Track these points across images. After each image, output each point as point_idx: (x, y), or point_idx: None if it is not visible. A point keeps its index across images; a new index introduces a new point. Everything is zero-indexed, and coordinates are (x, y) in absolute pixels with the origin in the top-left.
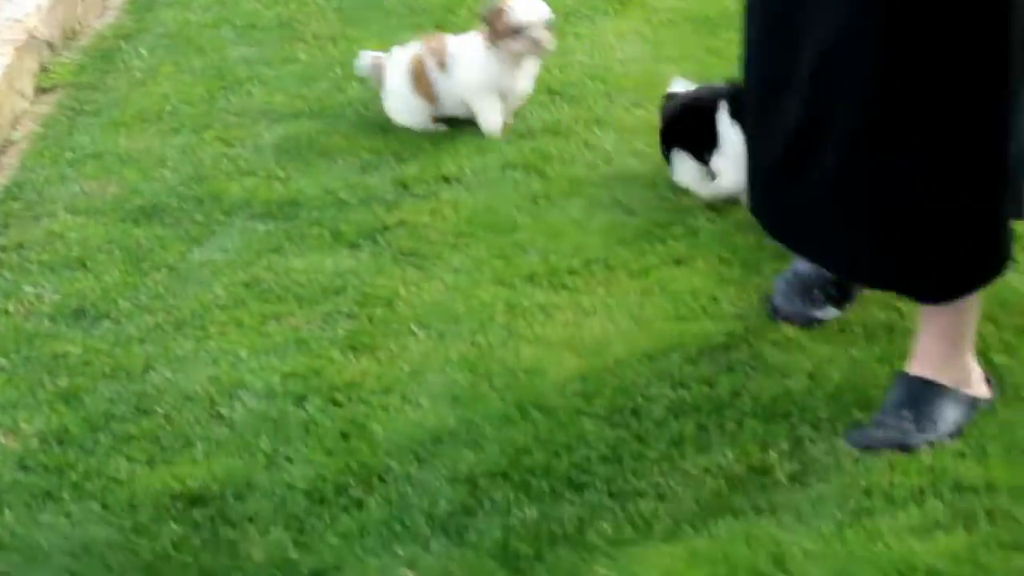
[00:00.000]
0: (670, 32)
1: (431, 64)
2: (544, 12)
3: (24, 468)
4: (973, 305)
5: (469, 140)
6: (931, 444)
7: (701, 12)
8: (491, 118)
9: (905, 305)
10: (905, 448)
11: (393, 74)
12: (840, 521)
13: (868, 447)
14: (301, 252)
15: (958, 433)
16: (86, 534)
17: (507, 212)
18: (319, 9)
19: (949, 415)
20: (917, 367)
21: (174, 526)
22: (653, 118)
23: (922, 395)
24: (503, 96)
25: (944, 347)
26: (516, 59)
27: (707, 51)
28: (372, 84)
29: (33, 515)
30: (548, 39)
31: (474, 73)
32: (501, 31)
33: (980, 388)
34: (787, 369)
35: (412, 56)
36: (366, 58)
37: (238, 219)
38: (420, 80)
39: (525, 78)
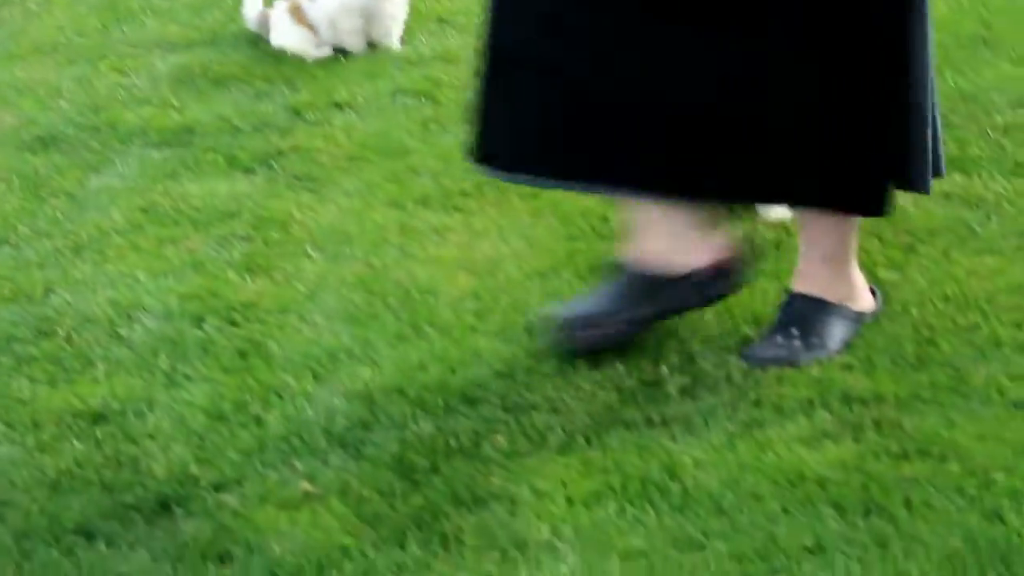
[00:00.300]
0: None
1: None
2: None
3: None
4: (854, 221)
5: (361, 67)
6: (820, 362)
7: None
8: (350, 40)
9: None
10: (794, 365)
11: (277, 18)
12: (731, 432)
13: (758, 364)
14: (196, 178)
15: (845, 348)
16: None
17: (399, 137)
18: None
19: (836, 332)
20: (802, 285)
21: (76, 443)
22: None
23: (809, 313)
24: (369, 18)
25: (828, 264)
26: None
27: None
28: (262, 35)
29: None
30: None
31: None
32: None
33: (865, 302)
34: None
35: (288, 3)
36: (252, 10)
37: (134, 147)
38: (296, 13)
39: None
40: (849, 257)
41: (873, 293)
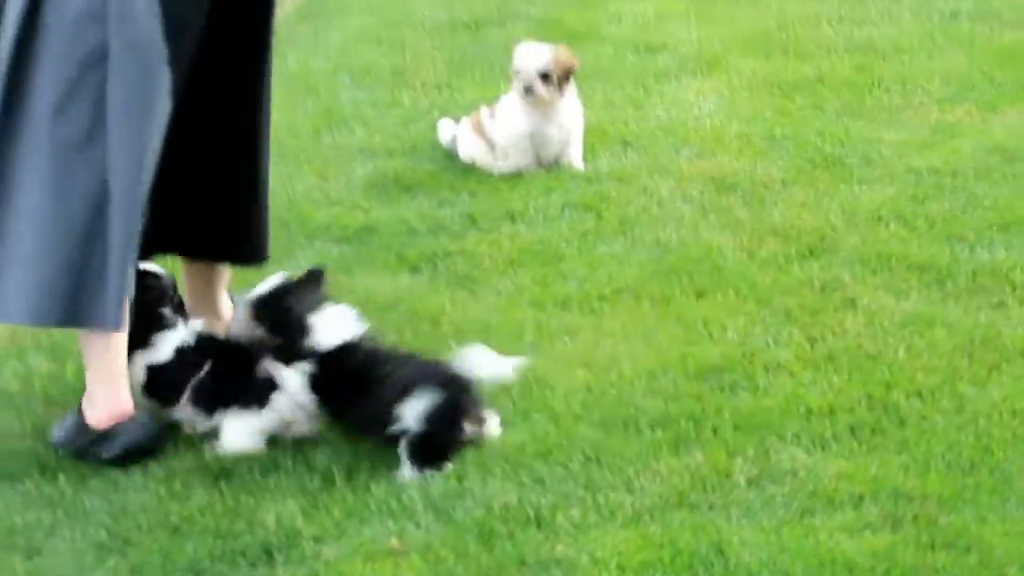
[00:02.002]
0: (747, 94)
1: (486, 115)
2: (540, 63)
3: None
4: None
5: (540, 182)
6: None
7: (780, 76)
8: (522, 161)
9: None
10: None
11: (462, 132)
12: (782, 518)
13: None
14: (367, 273)
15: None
16: (125, 498)
17: (557, 245)
18: (431, 60)
19: None
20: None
21: (202, 493)
22: (712, 168)
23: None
24: (537, 143)
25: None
26: (540, 106)
27: (776, 111)
28: (454, 151)
29: (85, 481)
30: (540, 88)
31: (507, 121)
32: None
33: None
34: (770, 389)
35: (472, 119)
36: (446, 131)
37: (318, 242)
38: (478, 127)
39: (556, 126)
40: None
41: None
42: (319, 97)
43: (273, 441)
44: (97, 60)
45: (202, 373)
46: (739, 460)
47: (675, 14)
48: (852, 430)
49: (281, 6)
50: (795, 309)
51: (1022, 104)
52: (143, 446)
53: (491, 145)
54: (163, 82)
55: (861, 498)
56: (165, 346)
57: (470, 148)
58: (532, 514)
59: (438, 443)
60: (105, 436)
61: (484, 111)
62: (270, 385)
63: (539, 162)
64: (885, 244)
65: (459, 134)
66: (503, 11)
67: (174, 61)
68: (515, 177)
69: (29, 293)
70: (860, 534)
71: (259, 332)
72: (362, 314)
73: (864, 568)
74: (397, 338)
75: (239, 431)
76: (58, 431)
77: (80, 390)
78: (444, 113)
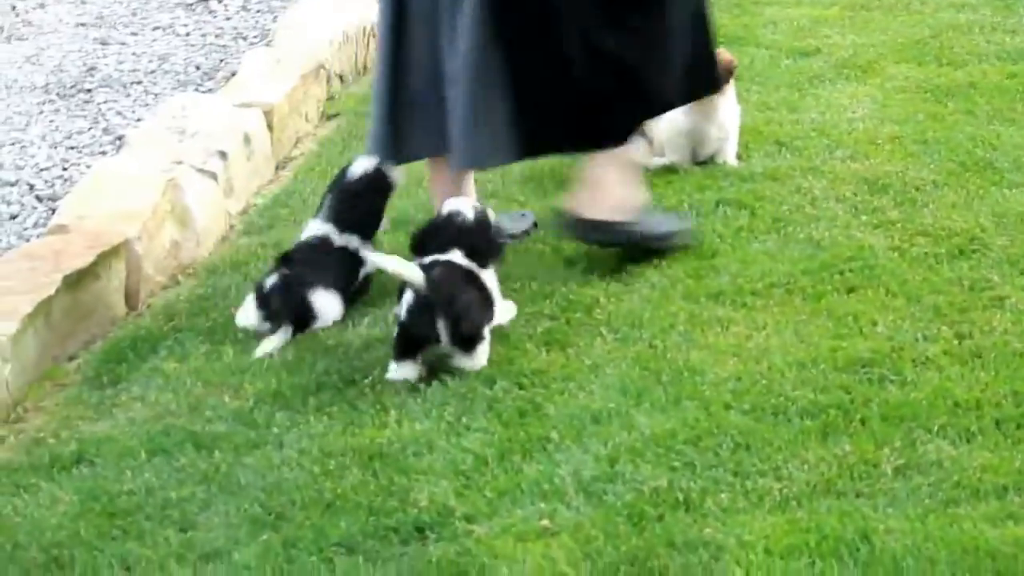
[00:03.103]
0: (900, 97)
1: None
2: None
3: (241, 422)
4: None
5: (695, 179)
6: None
7: (932, 82)
8: (678, 157)
9: None
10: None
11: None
12: (927, 507)
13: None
14: (523, 264)
15: None
16: (280, 475)
17: (711, 240)
18: None
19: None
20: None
21: (356, 472)
22: (864, 169)
23: None
24: (696, 139)
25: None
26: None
27: (929, 116)
28: None
29: (240, 458)
30: None
31: (667, 117)
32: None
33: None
34: (919, 383)
35: None
36: None
37: None
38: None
39: (715, 124)
40: None
41: None
42: None
43: (430, 421)
44: None
45: None
46: (886, 450)
47: (829, 20)
48: (998, 424)
49: None
50: (944, 306)
51: None
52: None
53: (648, 141)
54: None
55: (1005, 489)
56: None
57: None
58: (681, 498)
59: None
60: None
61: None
62: None
63: (695, 159)
64: None
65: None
66: None
67: None
68: (670, 172)
69: None
70: (1004, 523)
71: None
72: (519, 304)
73: (1007, 555)
74: (551, 325)
75: None
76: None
77: (234, 368)
78: None
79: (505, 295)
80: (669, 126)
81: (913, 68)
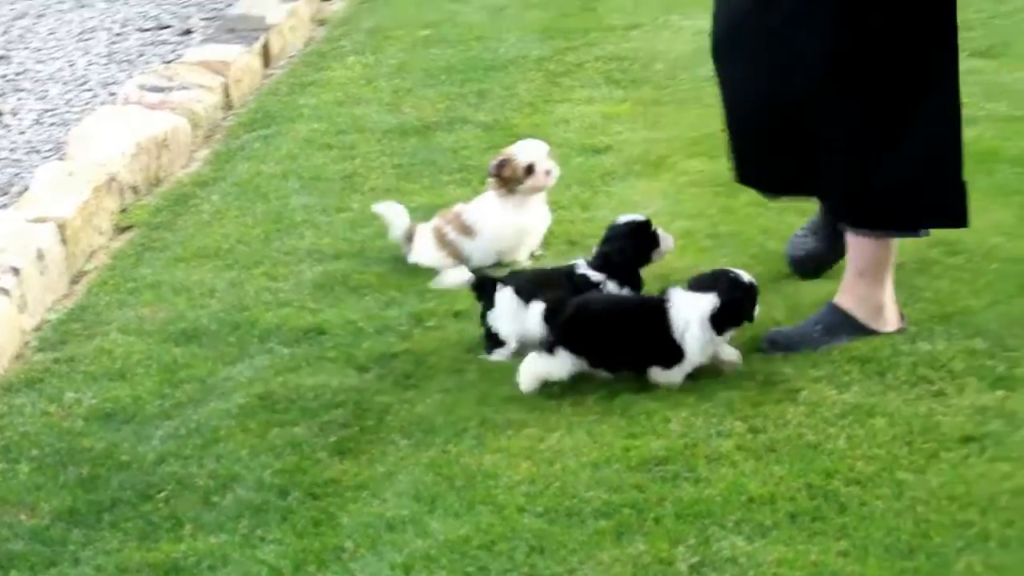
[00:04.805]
0: (692, 192)
1: (453, 233)
2: (543, 146)
3: (37, 540)
4: (891, 250)
5: None
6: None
7: (725, 176)
8: (510, 255)
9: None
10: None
11: (420, 236)
12: None
13: (784, 343)
14: (315, 373)
15: None
16: None
17: None
18: (380, 165)
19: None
20: (839, 298)
21: None
22: (656, 265)
23: (835, 320)
24: (526, 237)
25: (862, 285)
26: (529, 200)
27: (721, 209)
28: (403, 249)
29: None
30: (555, 167)
31: (503, 227)
32: (515, 176)
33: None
34: (712, 479)
35: (433, 227)
36: (398, 224)
37: (268, 343)
38: (444, 244)
39: (538, 217)
40: (883, 279)
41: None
42: (269, 202)
43: (225, 534)
44: None
45: None
46: (680, 548)
47: (621, 116)
48: (792, 517)
49: (231, 117)
50: (737, 401)
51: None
52: None
53: (455, 257)
54: None
55: None
56: None
57: (425, 255)
58: None
59: None
60: None
61: (447, 228)
62: None
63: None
64: None
65: (417, 237)
66: (451, 116)
67: None
68: None
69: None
70: None
71: None
72: (310, 412)
73: None
74: (345, 433)
75: None
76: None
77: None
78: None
79: (297, 405)
80: (506, 227)
81: (705, 162)
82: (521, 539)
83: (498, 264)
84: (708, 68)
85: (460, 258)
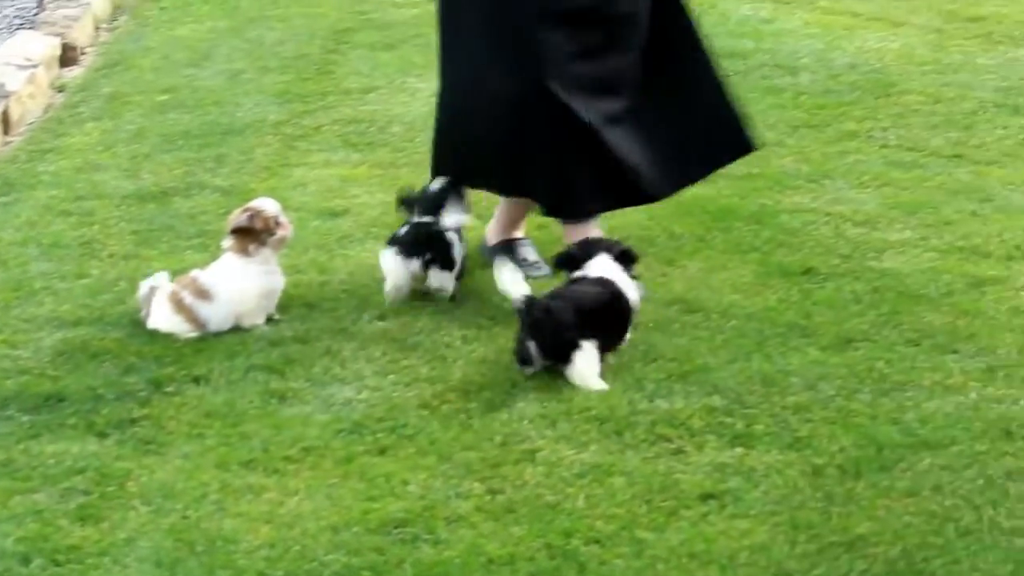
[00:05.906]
0: None
1: (189, 297)
2: (276, 203)
3: None
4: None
5: (226, 346)
6: None
7: None
8: (252, 319)
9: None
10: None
11: (157, 303)
12: None
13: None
14: (55, 440)
15: None
16: None
17: (242, 407)
18: (119, 231)
19: None
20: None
21: None
22: (395, 329)
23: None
24: (263, 300)
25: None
26: (270, 260)
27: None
28: (144, 310)
29: None
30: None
31: (241, 291)
32: (264, 229)
33: None
34: (452, 540)
35: (169, 293)
36: (145, 287)
37: (8, 411)
38: (182, 309)
39: (275, 279)
40: None
41: None
42: (9, 270)
43: None
44: None
45: None
46: None
47: (359, 179)
48: None
49: None
50: (476, 462)
51: (699, 256)
52: None
53: (193, 322)
54: None
55: None
56: None
57: (162, 320)
58: None
59: None
60: None
61: (183, 293)
62: None
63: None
64: (565, 397)
65: (155, 303)
66: (189, 181)
67: None
68: (200, 341)
69: None
70: None
71: None
72: (51, 478)
73: None
74: (85, 500)
75: None
76: None
77: None
78: (130, 284)
79: (38, 471)
80: (250, 289)
81: None
82: None
83: (237, 328)
84: None
85: (197, 323)
